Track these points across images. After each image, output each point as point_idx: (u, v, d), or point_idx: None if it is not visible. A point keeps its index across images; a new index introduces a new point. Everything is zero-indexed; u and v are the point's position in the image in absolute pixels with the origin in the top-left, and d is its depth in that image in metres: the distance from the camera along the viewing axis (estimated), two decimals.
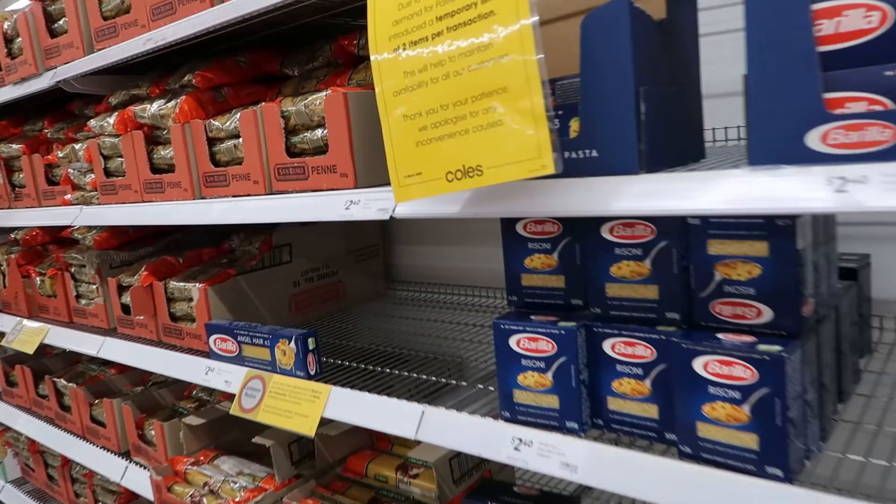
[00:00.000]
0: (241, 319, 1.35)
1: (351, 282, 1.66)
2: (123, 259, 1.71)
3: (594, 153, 0.74)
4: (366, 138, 1.01)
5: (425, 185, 0.81)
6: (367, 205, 0.95)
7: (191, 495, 1.33)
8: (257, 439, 1.31)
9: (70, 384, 1.82)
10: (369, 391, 1.06)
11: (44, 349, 2.04)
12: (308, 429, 1.09)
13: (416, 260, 1.77)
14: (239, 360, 1.26)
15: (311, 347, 1.16)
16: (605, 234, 0.81)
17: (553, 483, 1.42)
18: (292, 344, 1.16)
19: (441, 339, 1.37)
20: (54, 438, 1.88)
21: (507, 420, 0.89)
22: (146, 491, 1.54)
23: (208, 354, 1.34)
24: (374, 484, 1.29)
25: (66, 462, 1.98)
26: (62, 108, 1.90)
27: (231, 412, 1.21)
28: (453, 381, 1.13)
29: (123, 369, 1.92)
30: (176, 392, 1.77)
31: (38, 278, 1.90)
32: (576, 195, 0.76)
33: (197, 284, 1.38)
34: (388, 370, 1.22)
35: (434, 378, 1.15)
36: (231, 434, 1.55)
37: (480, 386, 1.08)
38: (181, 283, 1.42)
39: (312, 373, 1.16)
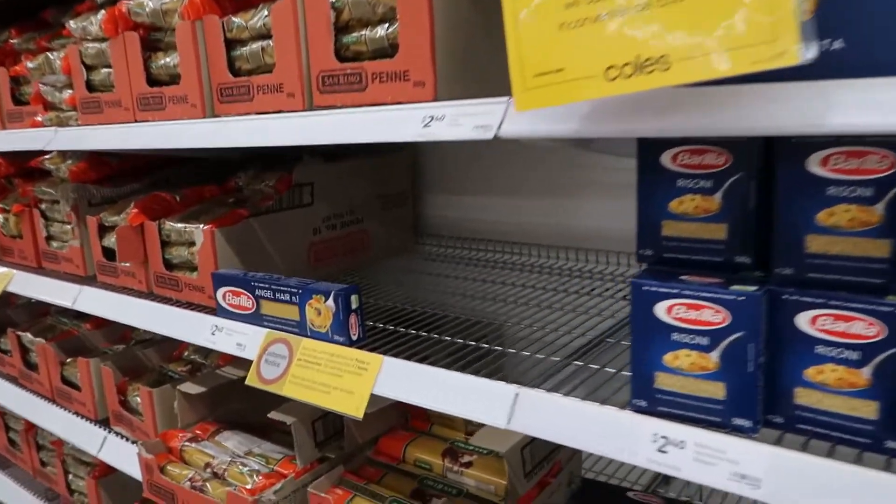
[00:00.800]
0: (255, 269, 1.11)
1: (377, 232, 1.43)
2: (105, 195, 1.44)
3: (839, 44, 0.52)
4: (450, 36, 0.77)
5: (568, 86, 0.58)
6: (457, 121, 0.71)
7: (190, 479, 1.10)
8: (274, 415, 1.08)
9: (38, 339, 1.56)
10: (428, 362, 0.83)
11: (7, 298, 1.77)
12: (354, 408, 0.86)
13: (447, 211, 1.54)
14: (256, 318, 1.03)
15: (353, 306, 0.93)
16: (815, 168, 0.59)
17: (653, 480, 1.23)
18: (330, 301, 0.92)
19: (480, 301, 1.14)
20: (18, 401, 1.63)
21: (642, 411, 0.68)
22: (129, 466, 1.31)
23: (215, 311, 1.10)
24: (416, 472, 1.07)
25: (31, 427, 1.73)
26: (34, 16, 1.60)
27: (248, 382, 0.98)
28: (512, 350, 0.91)
29: (100, 324, 1.66)
30: (163, 353, 1.53)
31: (0, 216, 1.62)
32: (791, 106, 0.54)
33: (201, 226, 1.13)
34: (424, 333, 1.00)
35: (490, 346, 0.93)
36: (232, 404, 1.31)
37: (555, 359, 0.87)
38: (181, 225, 1.17)
39: (355, 338, 0.93)
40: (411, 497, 1.01)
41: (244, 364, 1.34)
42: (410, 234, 1.52)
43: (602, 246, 1.32)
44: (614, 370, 0.82)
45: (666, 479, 1.23)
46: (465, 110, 0.71)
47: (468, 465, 1.04)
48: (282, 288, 0.98)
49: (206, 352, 1.49)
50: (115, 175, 1.45)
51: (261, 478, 1.05)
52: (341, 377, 0.89)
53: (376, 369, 0.87)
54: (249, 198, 1.28)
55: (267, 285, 1.00)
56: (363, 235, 1.39)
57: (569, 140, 0.71)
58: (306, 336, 0.96)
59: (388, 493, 1.01)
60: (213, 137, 0.97)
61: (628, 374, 0.79)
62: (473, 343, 0.97)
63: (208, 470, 1.12)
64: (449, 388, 0.80)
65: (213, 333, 1.07)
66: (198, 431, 1.23)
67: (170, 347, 1.54)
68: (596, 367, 0.84)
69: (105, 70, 1.19)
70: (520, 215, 1.43)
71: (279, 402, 1.36)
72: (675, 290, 0.64)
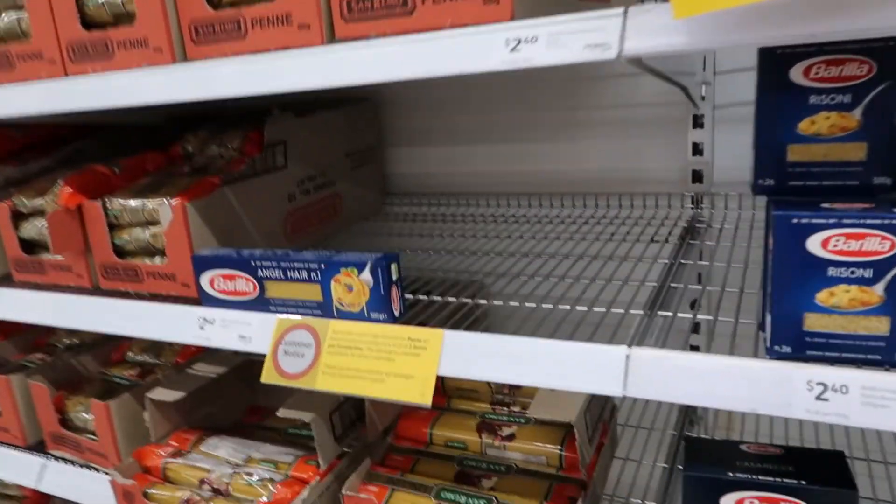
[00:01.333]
0: (231, 247, 0.93)
1: (348, 195, 1.27)
2: (9, 176, 1.18)
3: None
4: None
5: None
6: (558, 40, 0.60)
7: (186, 501, 0.93)
8: (285, 413, 0.92)
9: None
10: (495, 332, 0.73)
11: None
12: (418, 395, 0.74)
13: (413, 166, 1.41)
14: (261, 304, 0.86)
15: (394, 277, 0.79)
16: None
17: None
18: (365, 274, 0.78)
19: (481, 258, 1.04)
20: None
21: (786, 358, 0.61)
22: (83, 496, 1.10)
23: (196, 301, 0.93)
24: (449, 453, 0.97)
25: None
26: None
27: (264, 380, 0.83)
28: (565, 307, 0.83)
29: (8, 333, 1.39)
30: (100, 357, 1.29)
31: None
32: None
33: (167, 200, 0.93)
34: (438, 298, 0.90)
35: (537, 304, 0.83)
36: (205, 408, 1.13)
37: (600, 309, 0.79)
38: (135, 202, 0.96)
39: (397, 314, 0.80)
40: (456, 481, 0.91)
41: (218, 358, 1.16)
42: (379, 195, 1.38)
43: (581, 189, 1.25)
44: (709, 317, 0.75)
45: (691, 421, 1.20)
46: (568, 27, 0.59)
47: (510, 437, 0.94)
48: (295, 265, 0.82)
49: (155, 350, 1.28)
50: (20, 151, 1.19)
51: (279, 487, 0.90)
52: (393, 360, 0.76)
53: (438, 346, 0.74)
54: (208, 165, 1.08)
55: (274, 263, 0.84)
56: (336, 199, 1.24)
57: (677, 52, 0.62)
58: (333, 318, 0.82)
59: (431, 481, 0.90)
60: (198, 87, 0.78)
61: (727, 320, 0.73)
62: (500, 303, 0.86)
63: (206, 487, 0.95)
64: (540, 358, 0.69)
65: (202, 328, 0.89)
66: (176, 443, 1.04)
67: (105, 350, 1.31)
68: (666, 315, 0.77)
69: (16, 13, 0.94)
70: (492, 164, 1.33)
71: (255, 398, 1.20)
72: (831, 221, 0.57)
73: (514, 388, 1.02)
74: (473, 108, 1.32)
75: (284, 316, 0.84)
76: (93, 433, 1.11)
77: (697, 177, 1.14)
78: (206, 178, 0.98)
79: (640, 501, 1.09)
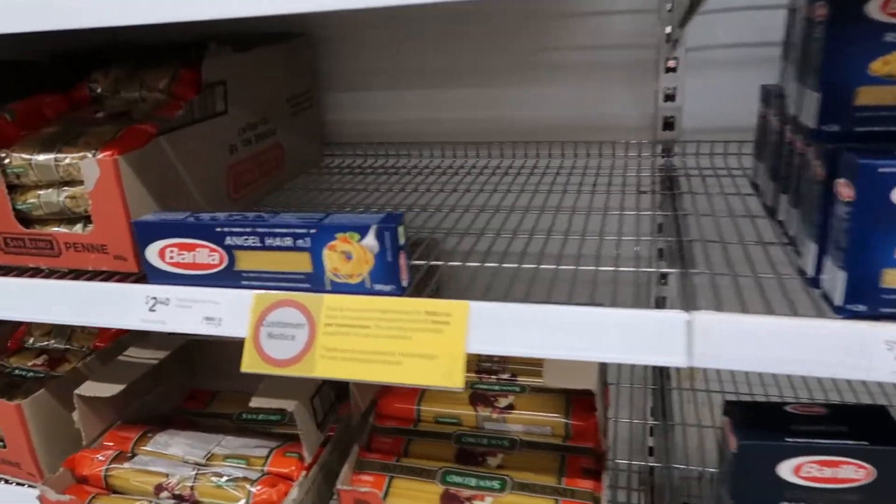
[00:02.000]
0: (169, 209, 0.77)
1: (290, 146, 1.12)
2: None
3: None
4: None
5: None
6: None
7: None
8: (260, 402, 0.80)
9: None
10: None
11: None
12: (445, 376, 0.64)
13: (350, 114, 1.27)
14: (230, 277, 0.72)
15: (401, 242, 0.68)
16: None
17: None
18: (369, 239, 0.66)
19: (418, 215, 0.95)
20: None
21: (861, 317, 0.58)
22: None
23: (138, 277, 0.77)
24: (442, 430, 0.88)
25: None
26: None
27: (245, 369, 0.69)
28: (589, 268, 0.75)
29: None
30: None
31: None
32: None
33: (93, 154, 0.75)
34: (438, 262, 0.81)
35: (558, 265, 0.76)
36: (138, 399, 0.97)
37: (608, 268, 0.73)
38: (44, 156, 0.77)
39: (405, 284, 0.69)
40: (458, 462, 0.83)
41: (150, 341, 1.00)
42: (318, 146, 1.23)
43: (543, 137, 1.18)
44: (747, 274, 0.71)
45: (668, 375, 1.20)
46: None
47: (509, 408, 0.88)
48: (277, 230, 0.69)
49: (63, 333, 1.08)
50: None
51: (259, 487, 0.78)
52: (409, 338, 0.66)
53: (463, 320, 0.65)
54: (129, 111, 0.89)
55: (247, 230, 0.70)
56: (278, 151, 1.08)
57: None
58: (326, 291, 0.70)
59: (430, 463, 0.82)
60: (146, 10, 0.61)
61: (766, 276, 0.69)
62: (477, 264, 0.77)
63: (164, 495, 0.80)
64: (587, 329, 0.62)
65: (152, 309, 0.74)
66: (114, 444, 0.88)
67: None
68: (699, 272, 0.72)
69: None
70: (444, 110, 1.22)
71: (192, 382, 1.05)
72: None
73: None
74: (422, 48, 1.19)
75: (263, 292, 0.71)
76: (1, 440, 0.91)
77: (669, 124, 1.10)
78: (136, 125, 0.80)
79: (626, 461, 1.07)
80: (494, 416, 0.88)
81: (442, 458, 0.84)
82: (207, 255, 0.72)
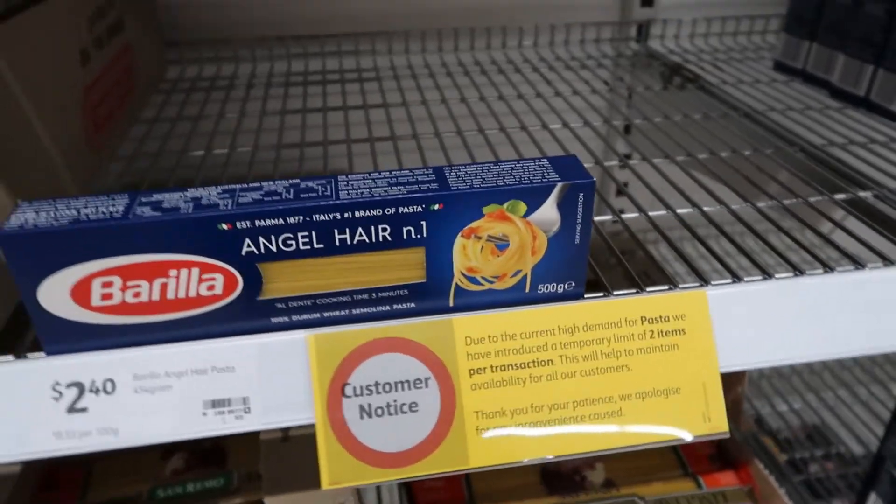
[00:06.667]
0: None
1: (139, 47, 0.68)
2: None
3: None
4: None
5: None
6: None
7: None
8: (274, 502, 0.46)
9: None
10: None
11: None
12: (700, 420, 0.39)
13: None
14: (249, 312, 0.36)
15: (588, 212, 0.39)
16: None
17: None
18: (546, 209, 0.36)
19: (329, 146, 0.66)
20: None
21: None
22: None
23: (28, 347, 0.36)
24: None
25: None
26: None
27: (329, 484, 0.36)
28: None
29: None
30: None
31: None
32: None
33: None
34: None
35: None
36: None
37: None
38: None
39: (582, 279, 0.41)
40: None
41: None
42: (160, 48, 0.79)
43: (482, 23, 0.91)
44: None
45: None
46: None
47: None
48: (355, 212, 0.35)
49: None
50: None
51: None
52: (627, 369, 0.39)
53: (705, 321, 0.40)
54: None
55: (291, 219, 0.34)
56: (129, 57, 0.64)
57: None
58: (452, 310, 0.38)
59: None
60: None
61: None
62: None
63: None
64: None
65: (74, 408, 0.35)
66: None
67: None
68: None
69: None
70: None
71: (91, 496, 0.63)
72: None
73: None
74: None
75: (328, 331, 0.37)
76: None
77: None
78: None
79: None
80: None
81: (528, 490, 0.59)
82: (198, 281, 0.35)
